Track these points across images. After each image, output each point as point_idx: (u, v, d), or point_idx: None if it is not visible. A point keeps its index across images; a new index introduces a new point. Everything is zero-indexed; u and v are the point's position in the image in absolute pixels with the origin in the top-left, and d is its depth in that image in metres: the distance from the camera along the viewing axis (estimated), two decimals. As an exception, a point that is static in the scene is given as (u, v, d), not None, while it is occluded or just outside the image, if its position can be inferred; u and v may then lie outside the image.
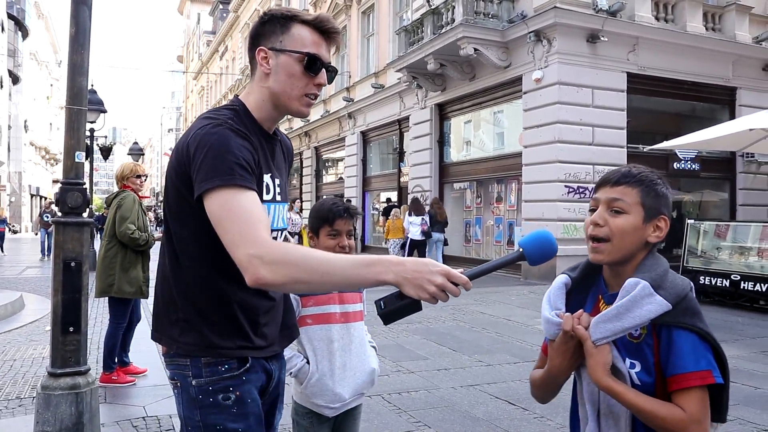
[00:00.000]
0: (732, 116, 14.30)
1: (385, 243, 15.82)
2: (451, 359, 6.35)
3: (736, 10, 14.78)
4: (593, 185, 11.65)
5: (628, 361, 1.52)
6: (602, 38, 12.88)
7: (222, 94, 46.07)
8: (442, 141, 17.57)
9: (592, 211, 1.62)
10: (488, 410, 4.76)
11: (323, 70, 1.74)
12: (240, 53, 40.22)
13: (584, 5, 12.98)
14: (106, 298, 5.47)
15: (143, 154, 32.33)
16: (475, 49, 13.83)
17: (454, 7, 14.18)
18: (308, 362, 2.47)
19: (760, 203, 15.18)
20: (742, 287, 9.60)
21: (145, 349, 6.49)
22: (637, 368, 1.51)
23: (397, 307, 1.44)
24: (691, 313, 1.47)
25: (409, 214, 14.18)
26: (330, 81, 1.78)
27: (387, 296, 1.46)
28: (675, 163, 14.28)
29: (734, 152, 13.82)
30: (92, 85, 14.96)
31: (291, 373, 2.44)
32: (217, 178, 1.52)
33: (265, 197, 1.71)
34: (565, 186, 12.72)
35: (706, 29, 14.49)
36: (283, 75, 1.71)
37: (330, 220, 2.49)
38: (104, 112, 15.13)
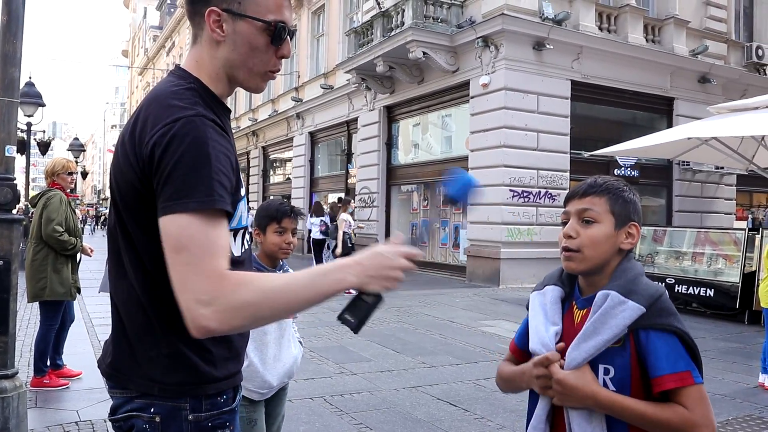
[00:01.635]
0: (670, 125, 14.80)
1: None
2: (394, 361, 6.37)
3: (674, 24, 15.32)
4: (537, 190, 11.92)
5: (602, 367, 1.50)
6: (548, 46, 13.15)
7: (168, 90, 44.98)
8: (390, 143, 17.63)
9: (564, 224, 1.62)
10: (430, 411, 4.78)
11: (288, 38, 1.45)
12: (188, 50, 39.49)
13: (531, 13, 13.23)
14: (37, 299, 5.27)
15: (84, 150, 31.33)
16: (424, 53, 13.93)
17: (403, 11, 14.24)
18: None
19: (694, 210, 15.78)
20: (677, 290, 9.95)
21: (80, 351, 6.29)
22: (611, 373, 1.49)
23: (366, 312, 1.35)
24: (666, 314, 1.47)
25: (310, 216, 14.81)
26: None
27: (347, 306, 1.36)
28: (615, 170, 14.67)
29: (671, 160, 14.30)
30: (30, 78, 14.48)
31: None
32: (193, 200, 1.24)
33: (242, 192, 1.45)
34: (510, 190, 12.92)
35: (647, 41, 14.98)
36: (244, 47, 1.41)
37: (278, 218, 2.73)
38: (42, 105, 14.59)
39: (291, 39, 1.47)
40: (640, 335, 1.46)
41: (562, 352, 1.52)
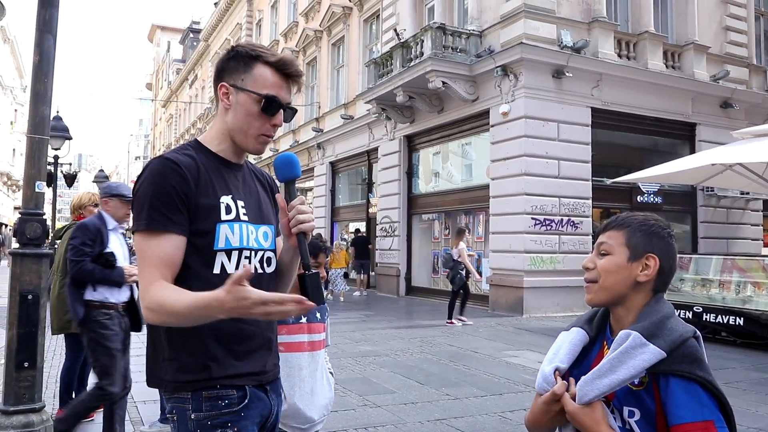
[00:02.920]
0: (692, 151, 14.67)
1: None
2: (418, 393, 6.30)
3: (694, 50, 15.27)
4: (559, 218, 11.79)
5: (626, 409, 1.48)
6: (567, 74, 13.17)
7: (191, 122, 45.80)
8: (411, 172, 17.67)
9: None
10: (455, 445, 4.71)
11: (280, 110, 1.78)
12: (209, 82, 40.11)
13: (550, 42, 13.29)
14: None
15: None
16: (444, 83, 14.02)
17: (423, 41, 14.39)
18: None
19: (720, 236, 15.53)
20: (704, 318, 9.74)
21: (104, 384, 6.29)
22: (637, 416, 1.47)
23: (315, 284, 1.68)
24: (689, 361, 1.43)
25: None
26: (288, 120, 1.85)
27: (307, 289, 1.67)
28: (638, 197, 14.56)
29: (695, 186, 14.15)
30: (57, 112, 14.78)
31: None
32: (136, 223, 1.66)
33: (225, 217, 1.71)
34: (532, 218, 12.85)
35: (667, 67, 14.94)
36: (241, 113, 1.76)
37: (315, 253, 2.97)
38: (69, 139, 14.91)
39: (285, 112, 1.81)
40: (660, 380, 1.44)
41: (566, 380, 1.54)
